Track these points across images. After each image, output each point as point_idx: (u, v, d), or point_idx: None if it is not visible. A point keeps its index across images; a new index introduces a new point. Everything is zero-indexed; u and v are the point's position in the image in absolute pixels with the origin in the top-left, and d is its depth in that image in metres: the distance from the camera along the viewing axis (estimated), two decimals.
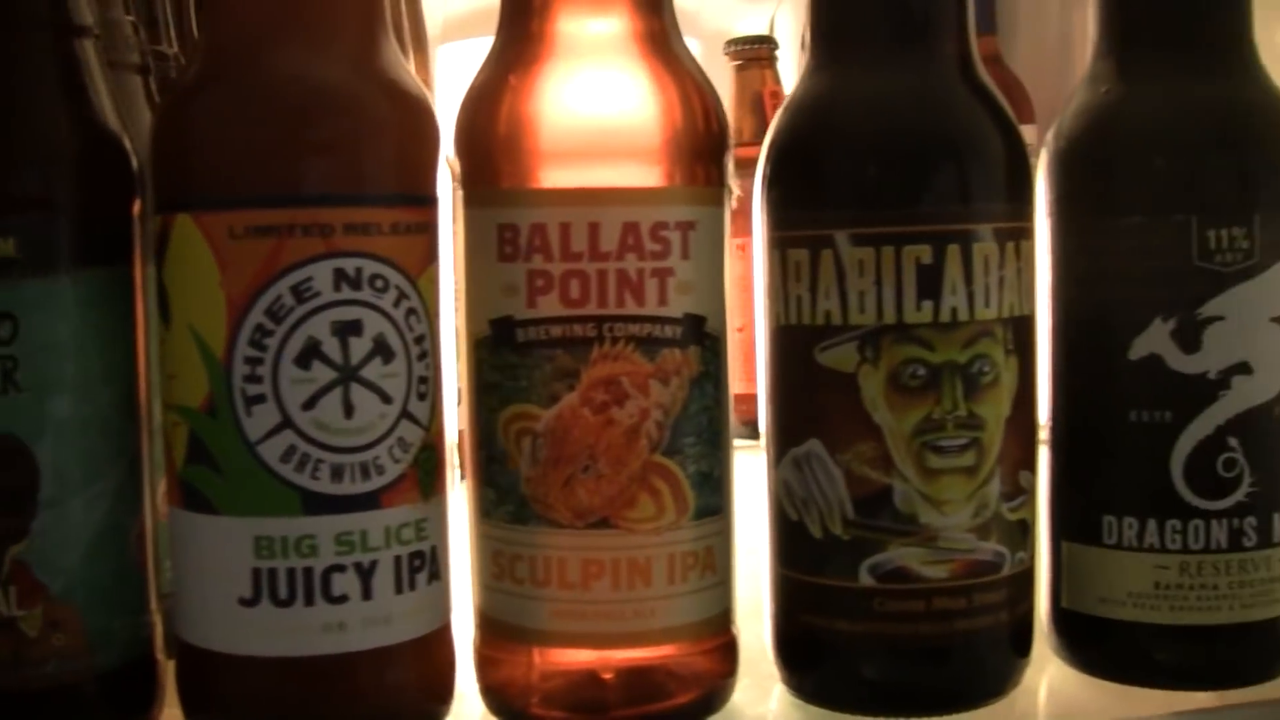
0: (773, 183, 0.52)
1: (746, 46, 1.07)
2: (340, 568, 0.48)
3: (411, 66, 0.75)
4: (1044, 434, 0.56)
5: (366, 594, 0.48)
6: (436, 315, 0.50)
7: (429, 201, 0.50)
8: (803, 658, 0.54)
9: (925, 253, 0.49)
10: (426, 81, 0.89)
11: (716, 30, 1.10)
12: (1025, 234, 0.52)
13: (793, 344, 0.51)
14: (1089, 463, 0.55)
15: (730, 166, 0.52)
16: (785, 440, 0.52)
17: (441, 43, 0.97)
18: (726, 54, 1.07)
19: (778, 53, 1.10)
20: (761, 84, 1.08)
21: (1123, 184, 0.54)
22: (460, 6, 1.03)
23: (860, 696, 0.53)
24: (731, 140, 0.52)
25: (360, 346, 0.48)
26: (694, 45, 1.07)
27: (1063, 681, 0.57)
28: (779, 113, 0.53)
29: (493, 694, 0.52)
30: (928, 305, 0.49)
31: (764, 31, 1.12)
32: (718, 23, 1.10)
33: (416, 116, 0.50)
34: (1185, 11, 0.54)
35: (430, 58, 0.93)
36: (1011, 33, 1.05)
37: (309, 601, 0.48)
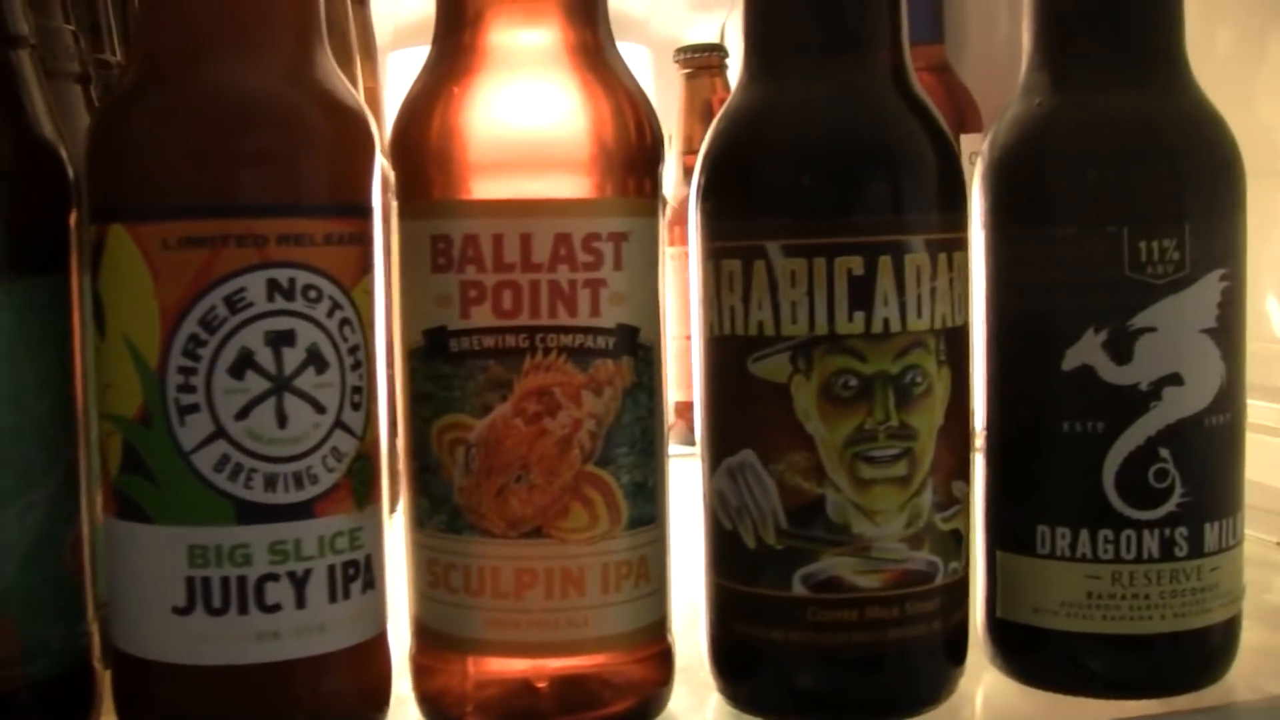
0: (706, 193, 0.52)
1: (696, 55, 1.07)
2: (274, 577, 0.48)
3: (359, 74, 0.75)
4: (980, 444, 0.57)
5: (300, 603, 0.49)
6: (371, 325, 0.50)
7: (364, 212, 0.50)
8: (738, 667, 0.54)
9: (857, 264, 0.50)
10: (376, 89, 0.89)
11: (666, 38, 1.10)
12: (958, 245, 0.52)
13: (726, 354, 0.52)
14: (1023, 473, 0.55)
15: (662, 177, 0.52)
16: (719, 450, 0.53)
17: (393, 49, 0.97)
18: (676, 62, 1.07)
19: (728, 61, 1.10)
20: (711, 92, 1.08)
21: (1055, 195, 0.54)
22: (411, 13, 1.03)
23: (795, 705, 0.53)
24: (664, 152, 0.52)
25: (294, 357, 0.48)
26: (643, 53, 1.08)
27: (999, 690, 0.57)
28: (714, 123, 0.53)
29: (429, 702, 0.53)
30: (860, 316, 0.50)
31: (714, 40, 1.12)
32: (667, 30, 1.10)
33: (351, 128, 0.50)
34: (1117, 24, 0.54)
35: (380, 65, 0.93)
36: (960, 41, 1.05)
37: (243, 610, 0.48)
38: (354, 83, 0.76)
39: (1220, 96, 0.82)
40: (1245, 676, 0.57)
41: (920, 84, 0.96)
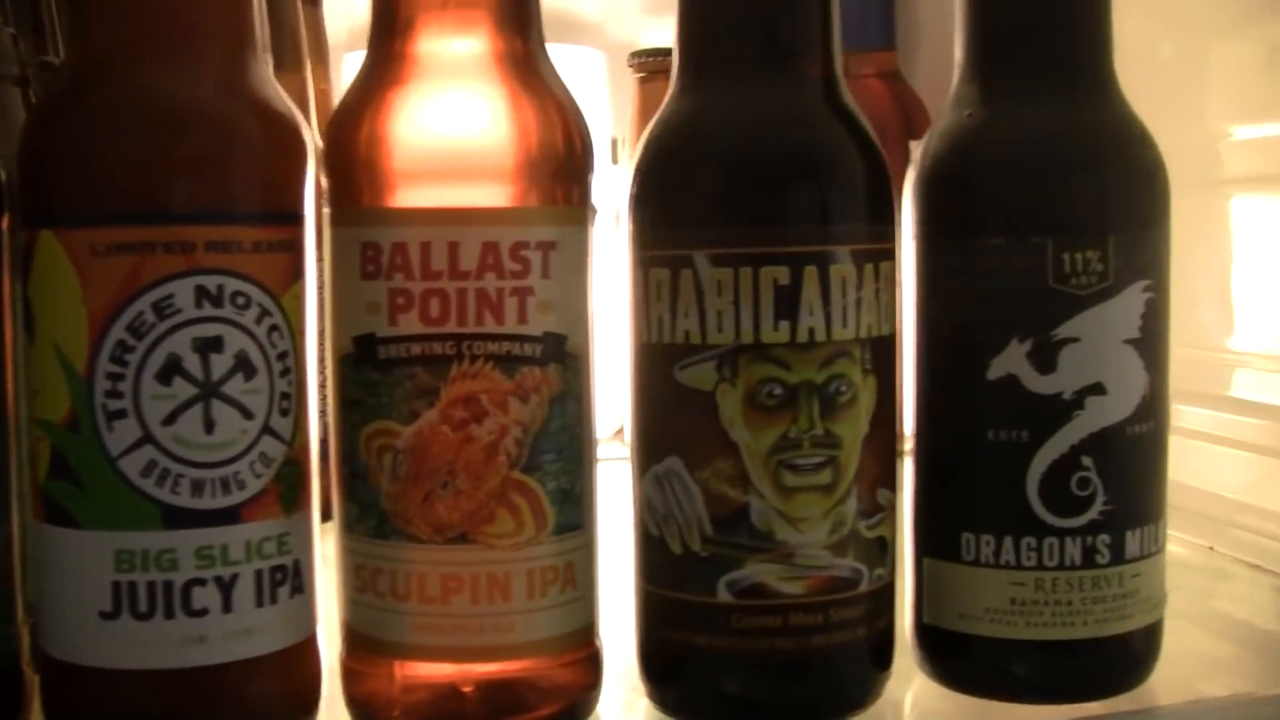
0: (636, 202, 0.53)
1: (650, 59, 1.07)
2: (200, 581, 0.49)
3: (310, 76, 0.75)
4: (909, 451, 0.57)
5: (227, 607, 0.49)
6: (301, 332, 0.51)
7: (295, 219, 0.51)
8: (665, 672, 0.54)
9: (783, 274, 0.50)
10: (328, 91, 0.89)
11: (621, 42, 1.10)
12: (885, 255, 0.52)
13: (654, 362, 0.52)
14: (949, 481, 0.56)
15: (592, 186, 0.53)
16: (647, 457, 0.53)
17: (348, 51, 0.97)
18: (630, 66, 1.07)
19: None
20: (665, 96, 1.08)
21: (981, 206, 0.54)
22: (367, 15, 1.03)
23: (721, 711, 0.54)
24: (594, 161, 0.52)
25: (221, 363, 0.48)
26: (598, 57, 1.08)
27: (927, 695, 0.58)
28: (646, 133, 0.54)
29: (357, 706, 0.53)
30: (785, 325, 0.50)
31: (669, 44, 1.12)
32: (622, 35, 1.10)
33: (282, 135, 0.51)
34: (1045, 39, 0.55)
35: (335, 66, 0.93)
36: (912, 49, 1.06)
37: (169, 615, 0.48)
38: (304, 85, 0.77)
39: (1166, 107, 0.83)
40: (1175, 679, 0.58)
41: (869, 90, 0.97)
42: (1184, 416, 0.84)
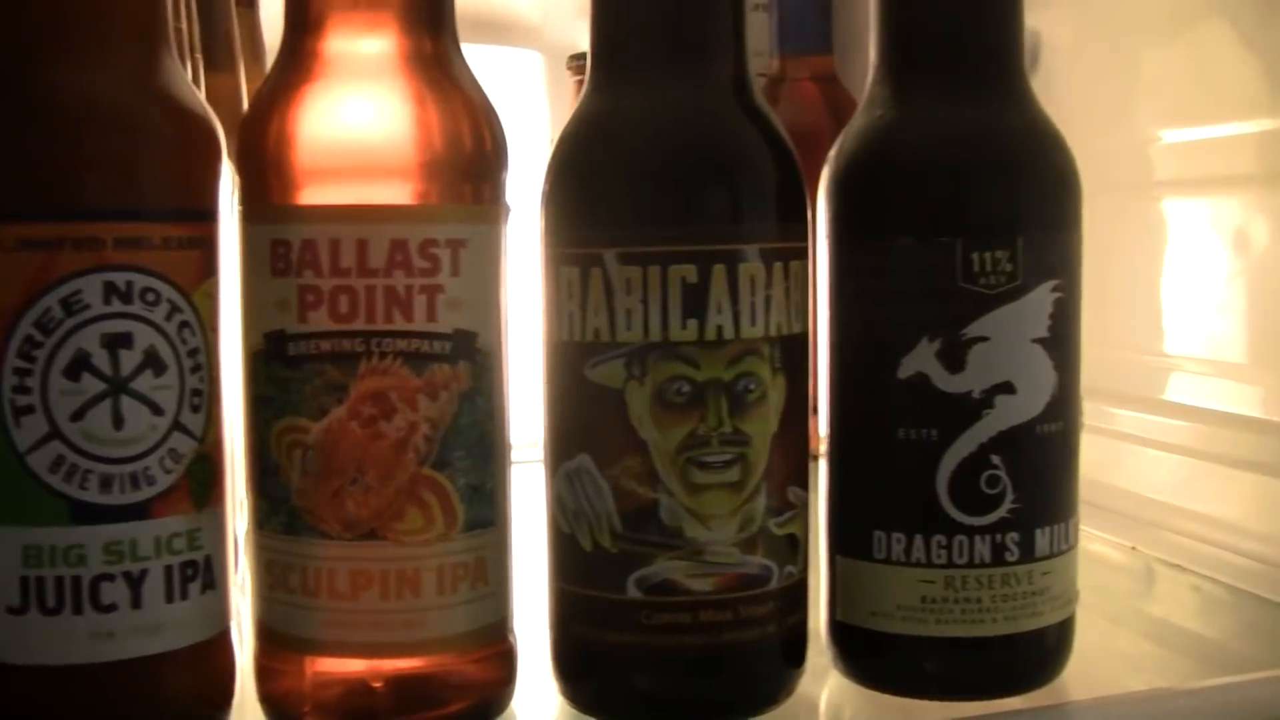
0: (548, 201, 0.53)
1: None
2: (109, 577, 0.49)
3: (243, 77, 0.75)
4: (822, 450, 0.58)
5: (136, 603, 0.49)
6: (214, 329, 0.51)
7: (206, 216, 0.51)
8: (577, 668, 0.55)
9: (691, 272, 0.50)
10: None
11: (560, 45, 1.10)
12: (796, 254, 0.53)
13: (565, 360, 0.52)
14: (860, 479, 0.56)
15: (505, 185, 0.53)
16: (558, 455, 0.53)
17: None
18: (569, 69, 1.07)
19: None
20: None
21: (892, 206, 0.55)
22: None
23: (632, 708, 0.54)
24: (508, 159, 0.53)
25: (130, 359, 0.48)
26: (537, 59, 1.08)
27: (841, 693, 0.58)
28: (560, 133, 0.54)
29: (270, 702, 0.53)
30: (693, 324, 0.50)
31: None
32: (561, 37, 1.10)
33: (192, 132, 0.51)
34: (955, 40, 0.55)
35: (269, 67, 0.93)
36: (849, 54, 1.06)
37: (77, 610, 0.48)
38: (238, 86, 0.77)
39: (1096, 111, 0.84)
40: (1089, 676, 0.58)
41: (804, 94, 0.98)
42: (1116, 419, 0.84)
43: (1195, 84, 0.82)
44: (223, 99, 0.74)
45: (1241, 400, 0.79)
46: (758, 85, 0.54)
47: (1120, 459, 0.87)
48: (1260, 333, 0.78)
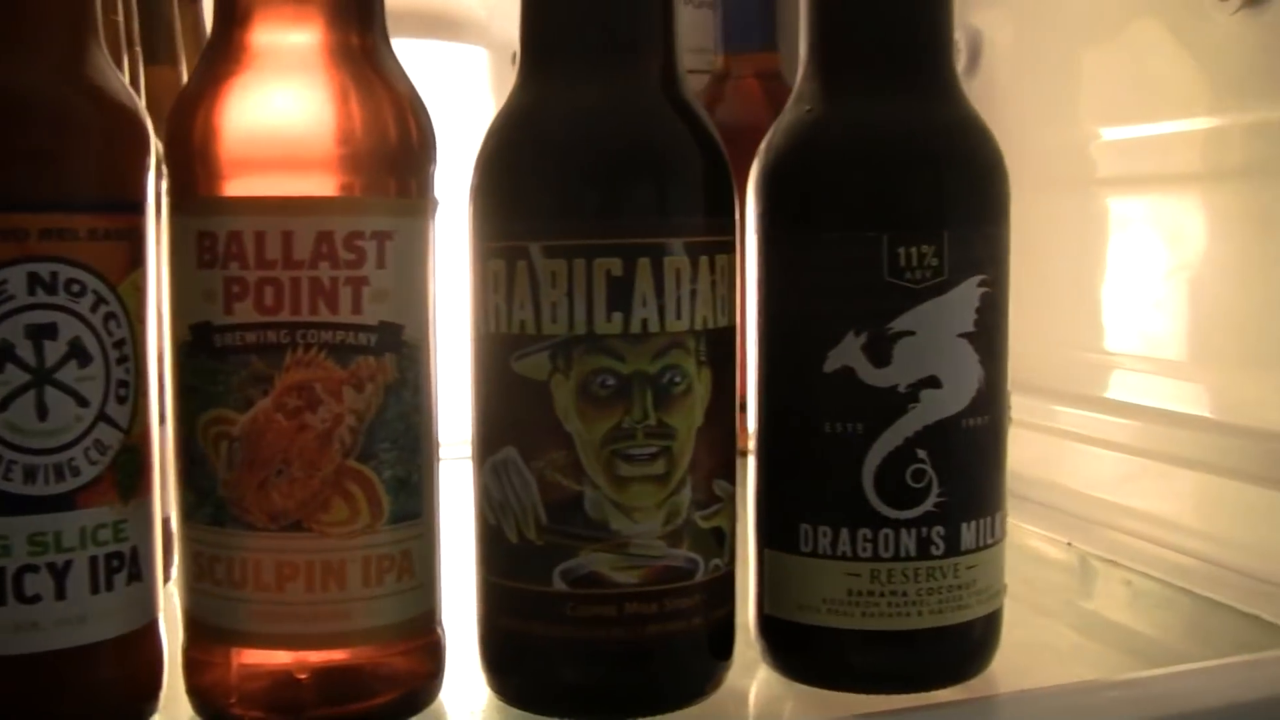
0: (476, 194, 0.53)
1: None
2: (33, 568, 0.49)
3: (184, 72, 0.75)
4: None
5: (60, 594, 0.49)
6: (141, 320, 0.51)
7: (133, 208, 0.51)
8: (504, 660, 0.55)
9: (616, 265, 0.51)
10: None
11: (506, 40, 1.10)
12: (723, 248, 0.53)
13: (491, 353, 0.53)
14: (787, 472, 0.56)
15: (433, 178, 0.53)
16: (485, 447, 0.53)
17: None
18: (515, 64, 1.08)
19: None
20: None
21: (819, 200, 0.55)
22: None
23: (558, 699, 0.54)
24: (436, 153, 0.53)
25: (55, 350, 0.48)
26: (482, 55, 1.08)
27: (770, 686, 0.58)
28: (488, 125, 0.54)
29: (197, 694, 0.53)
30: (618, 317, 0.51)
31: None
32: (507, 32, 1.10)
33: (118, 123, 0.51)
34: (882, 35, 0.55)
35: None
36: (793, 51, 1.06)
37: (1, 601, 0.48)
38: (179, 80, 0.77)
39: (1037, 108, 0.84)
40: (1017, 668, 0.59)
41: (748, 91, 0.98)
42: (1056, 416, 0.85)
43: (1133, 82, 0.83)
44: (164, 92, 0.74)
45: (1181, 398, 0.79)
46: (687, 80, 0.55)
47: (1060, 455, 0.88)
48: (1199, 331, 0.79)
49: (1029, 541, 0.80)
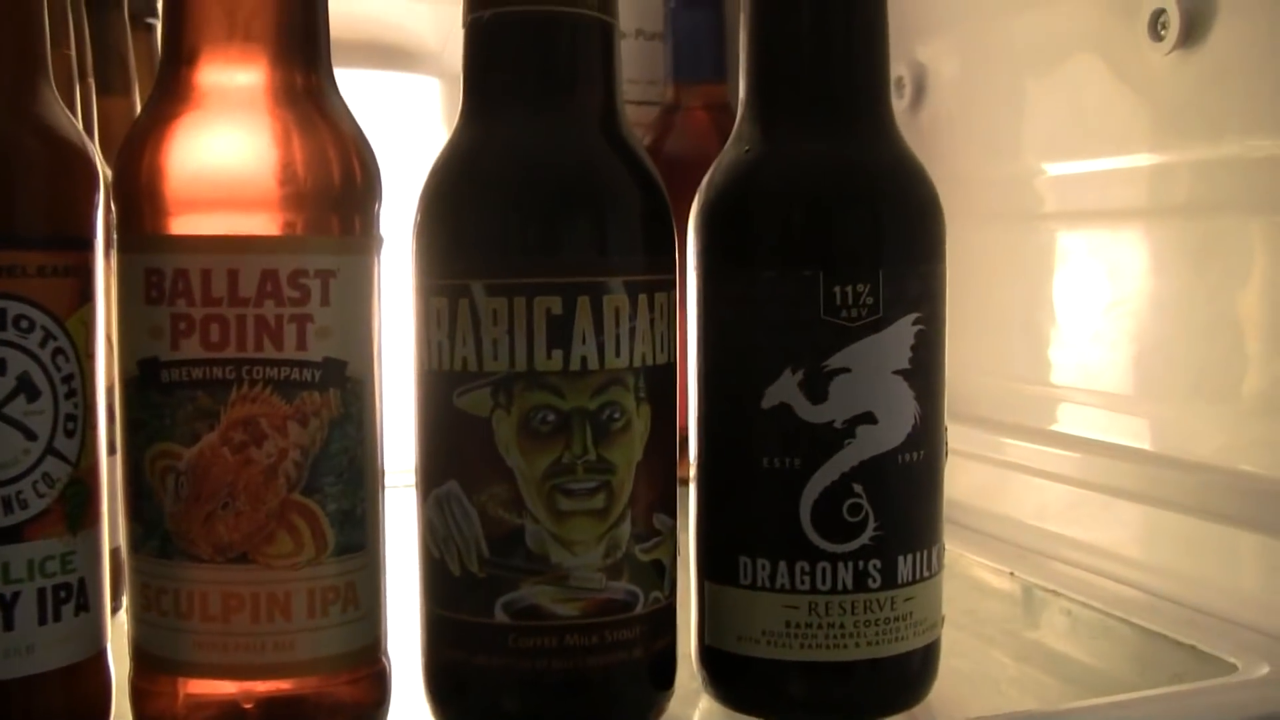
0: (419, 232, 0.54)
1: None
2: None
3: (137, 101, 0.76)
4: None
5: (8, 624, 0.50)
6: (89, 355, 0.52)
7: (82, 244, 0.52)
8: (447, 691, 0.56)
9: (556, 304, 0.52)
10: None
11: (459, 72, 1.11)
12: (662, 286, 0.54)
13: (434, 388, 0.54)
14: (726, 506, 0.57)
15: (378, 216, 0.54)
16: (428, 480, 0.54)
17: None
18: None
19: None
20: None
21: (757, 238, 0.56)
22: None
23: None
24: (380, 191, 0.54)
25: (3, 385, 0.49)
26: (435, 85, 1.09)
27: (712, 715, 0.59)
28: (432, 164, 0.55)
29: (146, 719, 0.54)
30: (558, 354, 0.52)
31: None
32: (460, 65, 1.11)
33: (68, 161, 0.51)
34: (819, 77, 0.57)
35: None
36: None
37: None
38: (133, 109, 0.77)
39: (984, 143, 0.86)
40: (958, 697, 0.60)
41: (696, 123, 0.99)
42: (1002, 448, 0.86)
43: (1074, 118, 0.84)
44: (118, 122, 0.75)
45: (1125, 431, 0.80)
46: (627, 118, 0.55)
47: (1003, 486, 0.89)
48: (1143, 365, 0.80)
49: (972, 571, 0.81)
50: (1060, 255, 0.87)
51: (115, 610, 0.57)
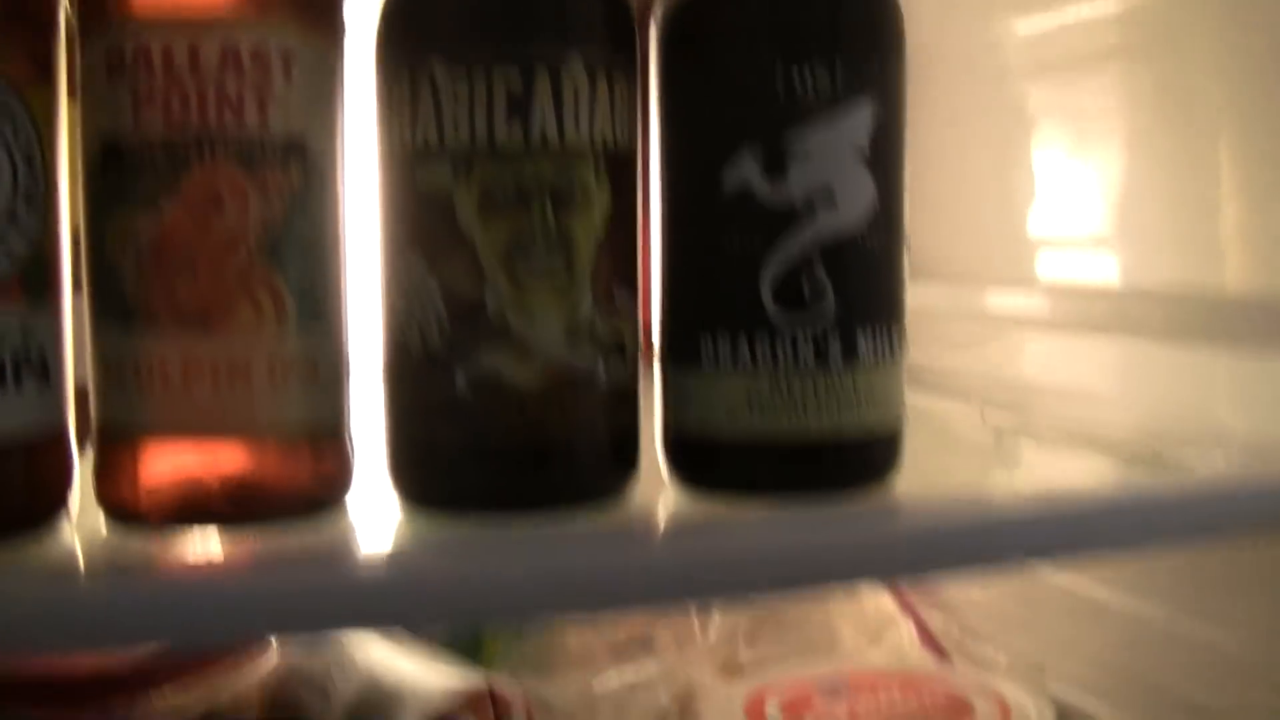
0: (381, 12, 0.55)
1: None
2: None
3: None
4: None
5: None
6: (51, 131, 0.52)
7: (39, 23, 0.52)
8: (410, 466, 0.56)
9: (515, 79, 0.52)
10: None
11: None
12: (619, 66, 0.54)
13: (396, 168, 0.54)
14: (689, 289, 0.58)
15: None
16: (390, 258, 0.55)
17: None
18: None
19: None
20: None
21: (717, 23, 0.57)
22: None
23: (464, 502, 0.56)
24: None
25: None
26: None
27: (676, 502, 0.60)
28: None
29: (106, 499, 0.54)
30: (518, 128, 0.52)
31: None
32: None
33: None
34: None
35: None
36: None
37: None
38: None
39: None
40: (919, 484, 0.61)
41: None
42: (984, 304, 0.87)
43: None
44: None
45: (1102, 271, 0.81)
46: None
47: (976, 336, 0.89)
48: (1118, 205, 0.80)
49: (945, 422, 0.82)
50: (1035, 105, 0.87)
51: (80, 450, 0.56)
